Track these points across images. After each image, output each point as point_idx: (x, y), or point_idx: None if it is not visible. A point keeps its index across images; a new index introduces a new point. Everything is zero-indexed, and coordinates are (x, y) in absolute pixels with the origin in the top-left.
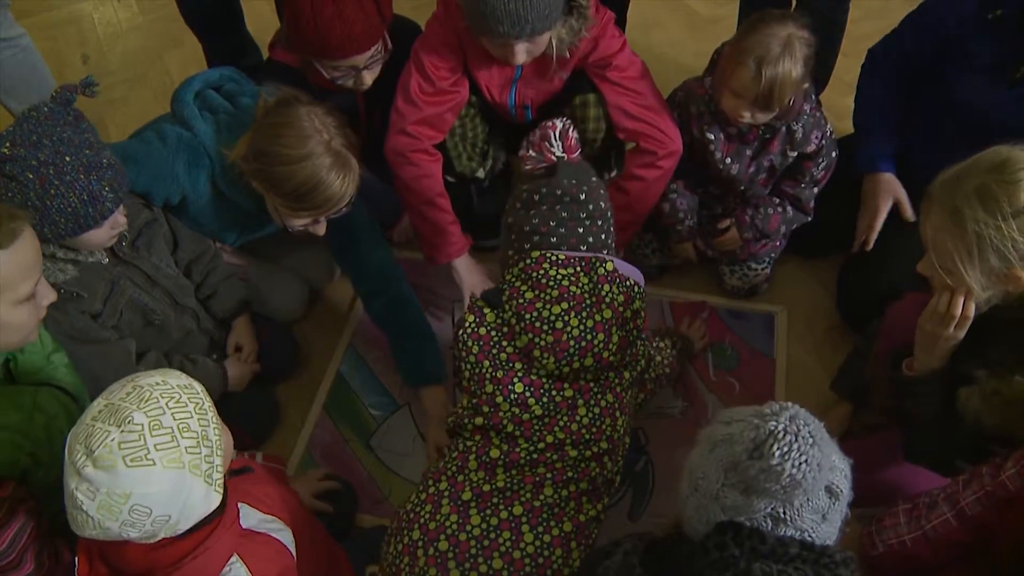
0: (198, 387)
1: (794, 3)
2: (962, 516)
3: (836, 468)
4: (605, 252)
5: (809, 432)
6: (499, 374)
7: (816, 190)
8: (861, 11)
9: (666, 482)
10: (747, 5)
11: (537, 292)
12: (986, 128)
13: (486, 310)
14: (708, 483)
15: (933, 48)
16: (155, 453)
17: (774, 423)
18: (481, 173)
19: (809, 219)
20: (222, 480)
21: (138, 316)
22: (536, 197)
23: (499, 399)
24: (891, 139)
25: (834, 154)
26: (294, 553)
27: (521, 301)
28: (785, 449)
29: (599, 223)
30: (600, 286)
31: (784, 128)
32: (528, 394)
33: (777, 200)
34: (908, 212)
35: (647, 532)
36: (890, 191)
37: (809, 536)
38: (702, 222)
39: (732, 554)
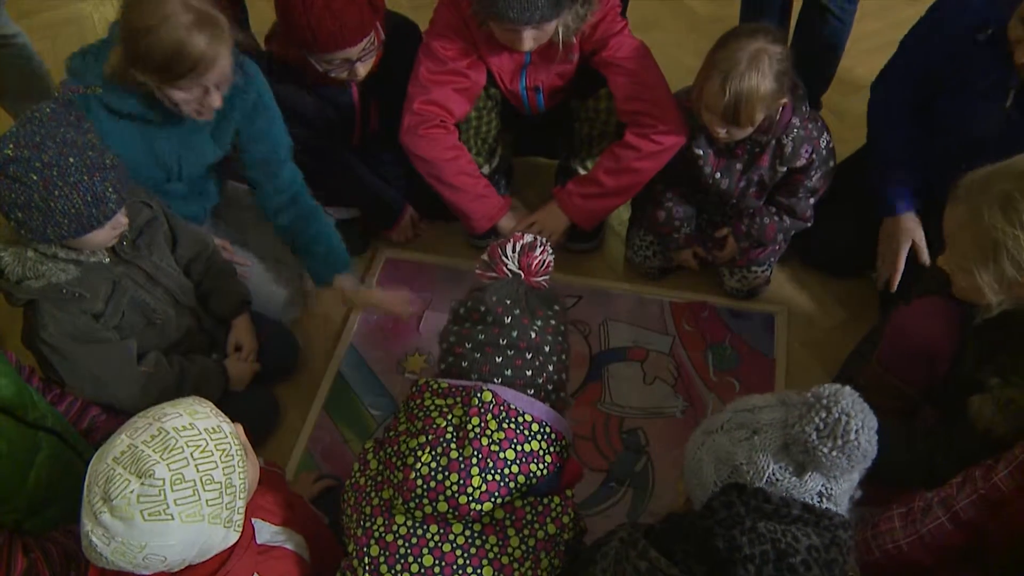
0: (226, 428)
1: (801, 2)
2: (956, 520)
3: None
4: (531, 392)
5: (866, 407)
6: (359, 532)
7: (813, 200)
8: (860, 10)
9: (666, 482)
10: (747, 5)
11: (408, 423)
12: (981, 150)
13: (370, 456)
14: (756, 468)
15: (930, 71)
16: (174, 508)
17: (846, 402)
18: (487, 169)
19: (808, 226)
20: (242, 519)
21: (139, 316)
22: (461, 311)
23: (355, 562)
24: (908, 174)
25: (831, 163)
26: (308, 559)
27: (392, 434)
28: (859, 425)
29: (527, 356)
30: (468, 419)
31: (773, 142)
32: (382, 560)
33: (773, 209)
34: (924, 256)
35: (640, 523)
36: (908, 234)
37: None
38: (702, 227)
39: (738, 512)
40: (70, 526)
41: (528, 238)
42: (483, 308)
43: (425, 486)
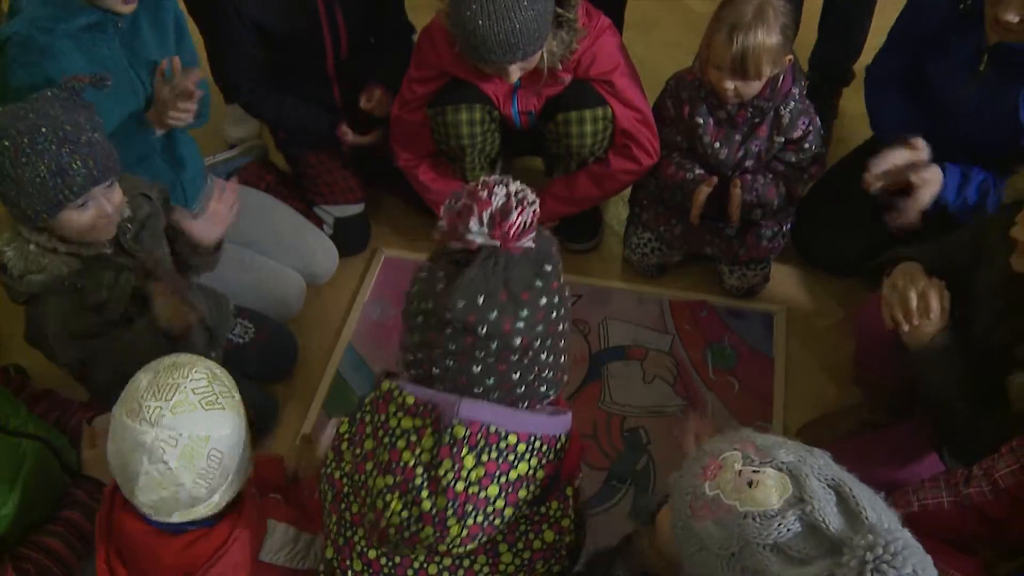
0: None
1: None
2: (997, 488)
3: None
4: (520, 390)
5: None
6: (340, 541)
7: (805, 178)
8: None
9: (667, 481)
10: None
11: (375, 444)
12: (955, 120)
13: (344, 446)
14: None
15: (920, 47)
16: (222, 399)
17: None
18: None
19: (793, 208)
20: (249, 469)
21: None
22: (419, 319)
23: (337, 572)
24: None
25: (824, 151)
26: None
27: (358, 452)
28: None
29: (513, 359)
30: (439, 461)
31: (772, 112)
32: None
33: (771, 175)
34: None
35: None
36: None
37: None
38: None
39: None
40: (36, 537)
41: (499, 196)
42: (448, 314)
43: (399, 536)
